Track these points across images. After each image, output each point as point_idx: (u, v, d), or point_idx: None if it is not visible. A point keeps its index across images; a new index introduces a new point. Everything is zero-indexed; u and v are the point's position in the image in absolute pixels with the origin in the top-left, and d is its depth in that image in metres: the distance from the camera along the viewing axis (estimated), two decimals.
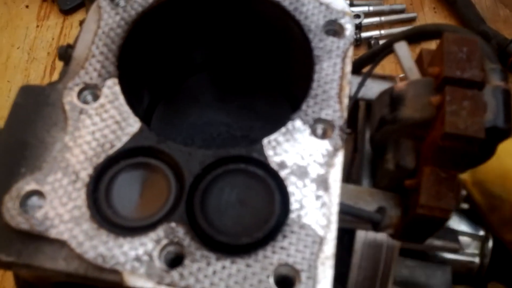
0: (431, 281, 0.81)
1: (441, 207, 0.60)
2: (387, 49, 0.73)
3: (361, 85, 0.73)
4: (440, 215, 0.61)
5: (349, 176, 0.80)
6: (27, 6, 1.68)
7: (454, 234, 0.75)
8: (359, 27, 1.64)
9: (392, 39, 0.71)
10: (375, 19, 1.70)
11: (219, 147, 0.55)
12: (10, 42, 1.61)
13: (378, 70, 0.77)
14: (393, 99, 0.63)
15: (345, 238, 0.75)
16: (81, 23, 0.81)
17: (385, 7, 1.73)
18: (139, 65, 0.66)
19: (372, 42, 1.65)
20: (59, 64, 1.56)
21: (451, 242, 0.72)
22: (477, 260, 0.92)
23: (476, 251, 0.92)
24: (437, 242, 0.72)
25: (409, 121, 0.61)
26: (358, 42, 1.63)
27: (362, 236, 0.74)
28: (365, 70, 0.82)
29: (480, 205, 0.91)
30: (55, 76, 1.54)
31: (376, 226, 0.63)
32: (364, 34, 1.65)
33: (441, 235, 0.73)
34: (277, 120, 0.72)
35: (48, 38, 1.62)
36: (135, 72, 0.65)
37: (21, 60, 1.58)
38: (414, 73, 0.65)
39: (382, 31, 1.68)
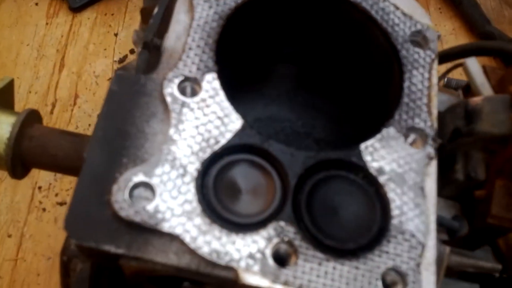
0: None
1: (511, 218, 0.63)
2: (457, 64, 0.76)
3: None
4: (510, 226, 0.64)
5: None
6: (36, 4, 1.65)
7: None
8: None
9: (460, 52, 0.74)
10: None
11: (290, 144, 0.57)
12: (19, 39, 1.58)
13: None
14: (468, 112, 0.66)
15: None
16: (143, 11, 0.79)
17: None
18: (229, 58, 0.66)
19: None
20: (68, 62, 1.54)
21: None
22: None
23: None
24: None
25: (486, 135, 0.64)
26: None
27: None
28: None
29: None
30: (64, 73, 1.53)
31: (453, 234, 0.65)
32: None
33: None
34: (340, 121, 0.73)
35: (57, 36, 1.60)
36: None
37: (30, 57, 1.55)
38: (487, 89, 0.68)
39: None
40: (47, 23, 1.62)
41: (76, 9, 1.63)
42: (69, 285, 0.73)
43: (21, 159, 0.69)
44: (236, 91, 0.74)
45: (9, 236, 1.24)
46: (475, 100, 0.66)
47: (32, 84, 1.50)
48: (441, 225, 0.64)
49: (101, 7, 1.64)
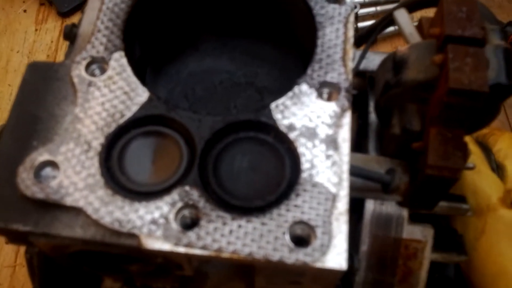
0: None
1: (449, 167, 0.61)
2: (387, 18, 0.74)
3: (362, 56, 0.74)
4: (449, 175, 0.61)
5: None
6: (25, 11, 1.68)
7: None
8: (355, 18, 1.65)
9: (392, 10, 0.72)
10: (371, 9, 1.71)
11: (222, 96, 0.55)
12: (9, 47, 1.62)
13: None
14: (396, 63, 0.64)
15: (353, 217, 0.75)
16: (83, 8, 0.82)
17: None
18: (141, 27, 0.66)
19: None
20: None
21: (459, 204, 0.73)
22: None
23: None
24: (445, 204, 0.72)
25: (413, 82, 0.62)
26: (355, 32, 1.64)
27: (371, 207, 0.74)
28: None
29: None
30: None
31: (386, 188, 0.63)
32: (361, 24, 1.66)
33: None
34: (283, 65, 0.72)
35: (47, 41, 1.63)
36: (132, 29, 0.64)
37: (21, 63, 1.59)
38: (415, 37, 0.66)
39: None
40: (36, 29, 1.65)
41: (64, 14, 1.65)
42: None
43: None
44: (167, 52, 0.73)
45: (7, 242, 1.27)
46: (402, 49, 0.64)
47: None
48: (371, 179, 0.62)
49: None
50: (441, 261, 0.75)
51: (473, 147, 0.79)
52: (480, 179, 0.75)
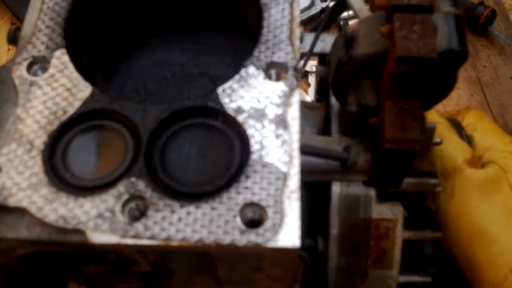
0: None
1: (407, 139, 0.59)
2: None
3: (316, 37, 0.73)
4: (408, 147, 0.60)
5: None
6: None
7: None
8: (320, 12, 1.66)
9: None
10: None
11: (174, 89, 0.54)
12: None
13: None
14: (347, 40, 0.63)
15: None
16: None
17: None
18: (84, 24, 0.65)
19: (342, 23, 1.65)
20: None
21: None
22: None
23: None
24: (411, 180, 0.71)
25: (364, 57, 0.60)
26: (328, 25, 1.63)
27: (338, 189, 0.72)
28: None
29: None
30: None
31: (344, 165, 0.62)
32: None
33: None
34: (236, 52, 0.71)
35: None
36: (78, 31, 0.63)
37: None
38: (365, 13, 0.65)
39: (351, 12, 1.67)
40: (8, 49, 1.65)
41: None
42: None
43: None
44: (115, 49, 0.71)
45: None
46: (352, 26, 0.63)
47: None
48: (327, 157, 0.61)
49: None
50: (414, 239, 0.73)
51: (437, 117, 0.78)
52: (445, 144, 0.74)
